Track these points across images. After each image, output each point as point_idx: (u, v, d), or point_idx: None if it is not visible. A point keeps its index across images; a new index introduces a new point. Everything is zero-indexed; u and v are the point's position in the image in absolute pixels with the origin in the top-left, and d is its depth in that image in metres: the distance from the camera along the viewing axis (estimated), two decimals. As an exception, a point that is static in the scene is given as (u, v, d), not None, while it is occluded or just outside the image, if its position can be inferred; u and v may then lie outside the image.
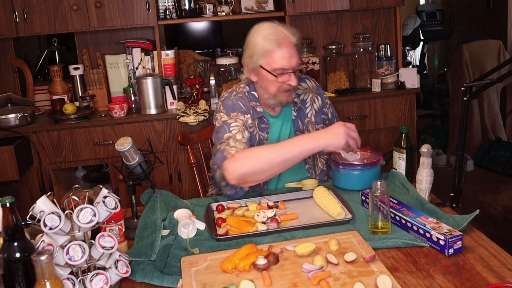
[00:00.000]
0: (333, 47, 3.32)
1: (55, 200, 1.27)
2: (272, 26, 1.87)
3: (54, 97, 3.10)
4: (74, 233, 1.23)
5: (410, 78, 3.20)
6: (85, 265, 1.23)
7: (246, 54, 1.91)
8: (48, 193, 1.31)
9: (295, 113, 2.01)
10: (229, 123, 1.87)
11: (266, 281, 1.25)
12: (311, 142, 1.65)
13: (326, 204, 1.64)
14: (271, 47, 1.82)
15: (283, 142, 1.73)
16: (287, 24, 3.15)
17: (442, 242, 1.36)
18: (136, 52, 3.16)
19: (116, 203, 1.31)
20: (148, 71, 3.16)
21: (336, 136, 1.64)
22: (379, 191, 1.46)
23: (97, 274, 1.22)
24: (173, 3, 3.18)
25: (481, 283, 1.23)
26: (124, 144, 1.61)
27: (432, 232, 1.39)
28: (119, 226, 1.46)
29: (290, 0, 3.09)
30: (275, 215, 1.61)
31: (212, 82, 3.07)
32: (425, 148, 1.67)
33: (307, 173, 2.03)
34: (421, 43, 5.55)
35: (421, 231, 1.43)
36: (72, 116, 2.89)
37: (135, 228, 1.61)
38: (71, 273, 1.23)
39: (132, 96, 3.09)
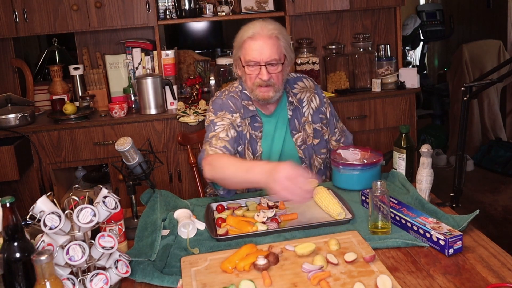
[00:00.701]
0: (333, 47, 3.32)
1: (55, 200, 1.27)
2: (257, 21, 1.88)
3: (54, 97, 3.10)
4: (74, 233, 1.23)
5: (410, 78, 3.20)
6: (85, 265, 1.23)
7: (233, 47, 1.94)
8: (48, 193, 1.31)
9: (290, 112, 2.00)
10: (215, 122, 1.90)
11: (266, 281, 1.25)
12: (260, 179, 1.53)
13: (326, 204, 1.64)
14: (244, 39, 1.84)
15: (245, 162, 1.74)
16: (287, 24, 3.16)
17: (442, 242, 1.36)
18: (136, 52, 3.16)
19: (116, 203, 1.31)
20: (148, 71, 3.16)
21: (273, 187, 1.46)
22: (379, 191, 1.46)
23: (97, 274, 1.22)
24: (173, 3, 3.18)
25: (481, 283, 1.23)
26: (124, 144, 1.61)
27: (432, 232, 1.39)
28: (119, 226, 1.46)
29: (290, 0, 3.09)
30: (275, 215, 1.61)
31: (212, 82, 3.08)
32: (425, 148, 1.67)
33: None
34: (421, 43, 5.55)
35: (421, 231, 1.43)
36: (72, 116, 2.89)
37: (135, 228, 1.61)
38: (71, 273, 1.23)
39: (132, 96, 3.09)
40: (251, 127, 1.95)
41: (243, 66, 1.86)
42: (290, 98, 2.00)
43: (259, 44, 1.81)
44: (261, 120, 1.97)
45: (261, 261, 1.30)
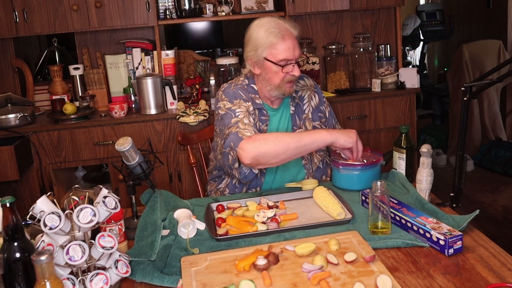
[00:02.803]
0: (333, 47, 3.32)
1: (55, 200, 1.26)
2: (273, 20, 1.94)
3: (54, 97, 3.09)
4: (74, 233, 1.23)
5: (410, 78, 3.20)
6: (85, 265, 1.23)
7: (249, 48, 1.95)
8: (48, 193, 1.31)
9: (293, 107, 2.06)
10: (234, 109, 1.92)
11: (266, 281, 1.25)
12: (326, 134, 1.77)
13: (326, 204, 1.64)
14: (275, 40, 1.88)
15: (299, 132, 1.87)
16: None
17: (442, 242, 1.36)
18: (136, 52, 3.16)
19: (116, 203, 1.31)
20: (148, 71, 3.16)
21: (349, 137, 1.76)
22: (379, 191, 1.46)
23: (97, 274, 1.22)
24: (173, 3, 3.18)
25: (481, 283, 1.23)
26: (124, 144, 1.61)
27: (432, 232, 1.39)
28: (119, 226, 1.46)
29: (290, 0, 3.09)
30: (275, 215, 1.62)
31: (212, 82, 3.07)
32: (425, 148, 1.67)
33: (303, 168, 2.04)
34: (421, 43, 5.55)
35: (421, 231, 1.43)
36: (72, 116, 2.89)
37: (135, 228, 1.61)
38: (71, 273, 1.23)
39: (132, 96, 3.09)
40: (258, 119, 1.99)
41: (280, 65, 1.90)
42: (293, 94, 2.05)
43: (291, 43, 1.89)
44: (268, 113, 2.01)
45: (261, 261, 1.30)
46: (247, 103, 1.96)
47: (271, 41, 1.89)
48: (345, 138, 1.75)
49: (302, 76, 2.14)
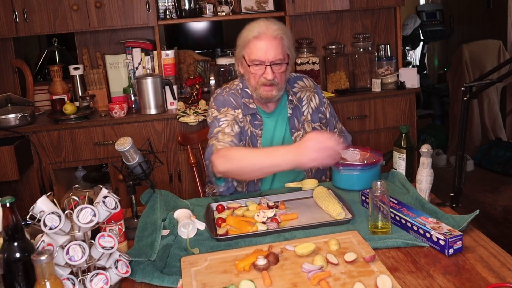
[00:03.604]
0: (333, 47, 3.32)
1: (55, 200, 1.26)
2: (261, 20, 1.89)
3: (54, 97, 3.10)
4: (74, 233, 1.23)
5: (410, 78, 3.20)
6: (85, 265, 1.23)
7: (236, 46, 1.95)
8: (48, 193, 1.31)
9: (290, 111, 2.02)
10: (219, 118, 1.91)
11: (266, 281, 1.25)
12: (291, 160, 1.58)
13: (326, 204, 1.64)
14: (250, 38, 1.85)
15: (263, 149, 1.74)
16: (287, 24, 3.16)
17: (442, 242, 1.36)
18: (136, 52, 3.16)
19: (116, 203, 1.31)
20: (148, 71, 3.16)
21: (311, 158, 1.55)
22: (379, 191, 1.46)
23: (97, 274, 1.22)
24: (173, 3, 3.18)
25: (481, 283, 1.23)
26: (124, 144, 1.61)
27: (432, 232, 1.39)
28: (119, 226, 1.46)
29: (290, 0, 3.09)
30: (275, 215, 1.61)
31: (212, 82, 3.08)
32: (425, 148, 1.67)
33: (302, 171, 2.03)
34: (421, 43, 5.55)
35: (421, 231, 1.43)
36: (72, 116, 2.89)
37: (135, 228, 1.61)
38: (71, 273, 1.23)
39: (132, 96, 3.09)
40: (251, 124, 1.96)
41: (248, 65, 1.87)
42: (290, 97, 2.02)
43: (265, 43, 1.83)
44: (262, 118, 1.98)
45: (261, 261, 1.30)
46: (236, 110, 1.93)
47: (247, 39, 1.86)
48: (303, 161, 1.55)
49: (301, 76, 2.12)
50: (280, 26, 1.88)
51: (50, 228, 1.17)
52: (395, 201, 1.58)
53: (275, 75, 1.86)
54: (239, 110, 1.94)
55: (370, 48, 3.34)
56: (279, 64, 1.86)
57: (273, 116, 2.00)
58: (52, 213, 1.18)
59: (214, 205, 1.74)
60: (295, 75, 2.11)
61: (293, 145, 1.65)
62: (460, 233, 1.38)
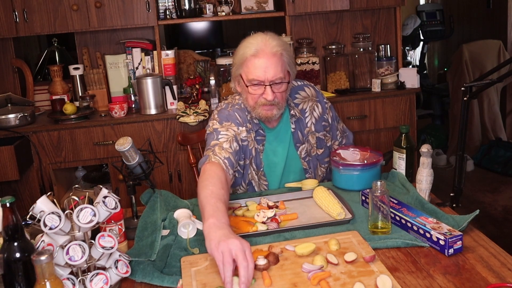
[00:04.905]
0: (333, 47, 3.32)
1: (55, 200, 1.26)
2: (259, 35, 1.78)
3: (54, 97, 3.10)
4: (74, 233, 1.23)
5: (410, 78, 3.20)
6: (85, 265, 1.23)
7: (232, 63, 1.86)
8: (48, 193, 1.31)
9: (293, 125, 1.95)
10: (219, 131, 1.82)
11: (266, 281, 1.25)
12: (206, 234, 1.34)
13: (326, 204, 1.64)
14: (247, 56, 1.74)
15: (210, 205, 1.43)
16: (287, 24, 3.16)
17: (442, 242, 1.36)
18: (136, 52, 3.16)
19: (116, 203, 1.31)
20: (148, 71, 3.16)
21: (208, 245, 1.30)
22: (379, 191, 1.46)
23: (97, 274, 1.22)
24: (173, 3, 3.18)
25: (481, 283, 1.23)
26: (124, 144, 1.61)
27: (432, 232, 1.39)
28: (119, 226, 1.46)
29: (290, 0, 3.09)
30: (275, 215, 1.61)
31: (212, 82, 3.07)
32: (425, 148, 1.67)
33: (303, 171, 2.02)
34: (421, 43, 5.55)
35: (421, 231, 1.43)
36: (72, 116, 2.89)
37: (135, 228, 1.61)
38: (71, 273, 1.23)
39: (132, 96, 3.09)
40: (256, 141, 1.89)
41: (246, 86, 1.77)
42: (292, 111, 1.94)
43: (263, 62, 1.72)
44: (264, 133, 1.92)
45: (261, 261, 1.30)
46: (240, 128, 1.84)
47: (244, 57, 1.75)
48: (209, 247, 1.29)
49: (303, 85, 2.02)
50: (279, 42, 1.77)
51: (50, 228, 1.17)
52: (395, 201, 1.58)
53: (275, 94, 1.76)
54: (243, 128, 1.86)
55: (370, 48, 3.34)
56: (279, 84, 1.76)
57: (276, 131, 1.94)
58: (52, 213, 1.18)
59: (214, 205, 1.74)
60: (295, 84, 2.00)
61: (219, 233, 1.30)
62: (460, 233, 1.38)
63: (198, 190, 1.54)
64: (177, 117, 2.90)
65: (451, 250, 1.36)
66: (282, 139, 1.95)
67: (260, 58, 1.73)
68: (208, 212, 1.39)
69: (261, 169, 1.93)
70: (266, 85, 1.75)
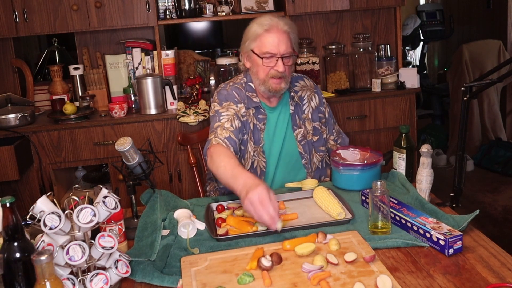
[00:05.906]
0: (333, 47, 3.32)
1: (55, 200, 1.27)
2: (268, 15, 1.97)
3: (54, 97, 3.09)
4: (74, 233, 1.23)
5: (410, 78, 3.20)
6: (85, 265, 1.23)
7: (242, 41, 1.99)
8: (48, 193, 1.31)
9: (292, 107, 2.06)
10: (220, 112, 1.94)
11: (266, 281, 1.25)
12: (241, 188, 1.50)
13: (326, 204, 1.64)
14: (261, 32, 1.90)
15: (235, 168, 1.61)
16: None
17: (442, 242, 1.36)
18: (136, 52, 3.16)
19: (116, 203, 1.31)
20: (148, 71, 3.16)
21: (244, 199, 1.46)
22: (379, 191, 1.46)
23: (97, 274, 1.22)
24: (173, 3, 3.18)
25: (481, 283, 1.23)
26: (124, 144, 1.61)
27: (432, 232, 1.39)
28: (119, 226, 1.46)
29: (290, 0, 3.09)
30: (275, 215, 1.61)
31: (212, 82, 3.08)
32: (425, 148, 1.67)
33: (303, 168, 2.05)
34: (421, 43, 5.55)
35: (421, 231, 1.43)
36: (72, 116, 2.89)
37: (135, 228, 1.61)
38: (71, 273, 1.23)
39: (132, 96, 3.09)
40: (255, 117, 1.99)
41: (261, 58, 1.90)
42: (292, 94, 2.06)
43: (276, 37, 1.89)
44: (265, 112, 2.01)
45: (266, 263, 1.29)
46: (238, 105, 1.96)
47: (257, 33, 1.91)
48: (247, 202, 1.44)
49: (302, 76, 2.16)
50: (287, 21, 1.95)
51: (50, 228, 1.17)
52: (395, 201, 1.58)
53: (285, 67, 1.91)
54: (242, 105, 1.97)
55: (370, 48, 3.34)
56: (289, 57, 1.92)
57: (276, 111, 2.04)
58: (52, 213, 1.18)
59: (214, 205, 1.74)
60: (296, 74, 2.15)
61: (251, 181, 1.50)
62: (460, 233, 1.38)
63: (213, 171, 1.73)
64: (177, 117, 2.90)
65: (451, 250, 1.36)
66: (281, 119, 2.05)
67: (273, 33, 1.90)
68: (234, 176, 1.58)
69: (261, 146, 1.99)
70: (278, 58, 1.89)
